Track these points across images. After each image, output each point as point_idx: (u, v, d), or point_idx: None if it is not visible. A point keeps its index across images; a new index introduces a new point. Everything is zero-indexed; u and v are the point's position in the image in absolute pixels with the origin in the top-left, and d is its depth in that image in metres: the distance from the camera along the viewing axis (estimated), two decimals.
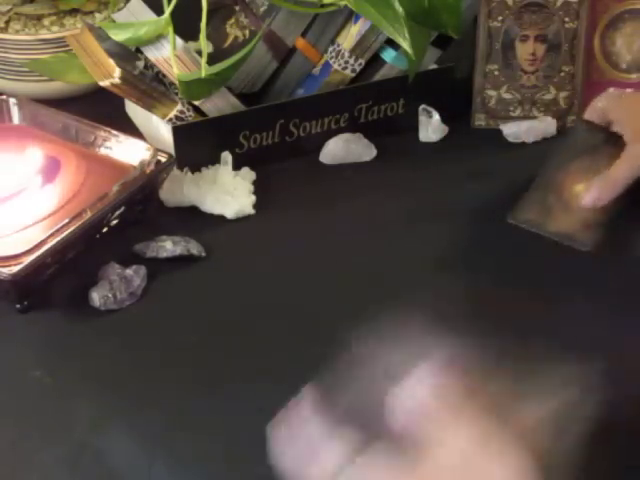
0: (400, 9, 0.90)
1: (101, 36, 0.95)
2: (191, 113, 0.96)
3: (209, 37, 0.93)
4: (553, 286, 0.84)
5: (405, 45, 0.89)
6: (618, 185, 0.82)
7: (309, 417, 0.57)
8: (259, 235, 0.91)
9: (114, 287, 0.82)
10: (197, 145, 0.96)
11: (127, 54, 0.96)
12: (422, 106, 1.04)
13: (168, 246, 0.86)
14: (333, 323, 0.79)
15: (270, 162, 0.98)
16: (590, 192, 0.83)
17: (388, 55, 1.01)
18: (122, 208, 0.87)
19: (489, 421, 0.54)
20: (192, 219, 0.92)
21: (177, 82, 0.93)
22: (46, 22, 1.08)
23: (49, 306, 0.82)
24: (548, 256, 0.86)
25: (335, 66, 1.00)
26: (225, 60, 0.93)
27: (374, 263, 0.87)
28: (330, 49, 0.99)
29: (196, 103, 0.96)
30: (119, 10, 1.03)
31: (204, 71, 0.91)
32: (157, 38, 0.94)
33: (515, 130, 1.04)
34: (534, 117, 1.06)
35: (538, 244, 0.90)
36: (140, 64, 0.97)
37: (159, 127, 0.97)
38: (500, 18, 1.03)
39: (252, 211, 0.93)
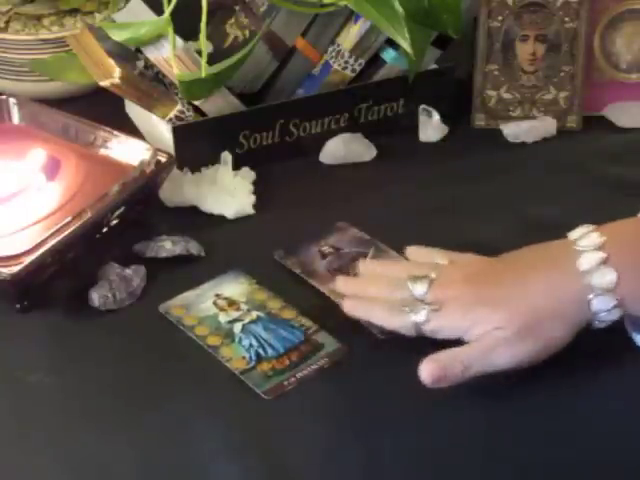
0: (400, 9, 0.89)
1: (101, 36, 0.95)
2: (191, 113, 0.96)
3: (209, 37, 0.93)
4: None
5: (405, 45, 0.89)
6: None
7: None
8: (259, 235, 0.91)
9: (114, 287, 0.82)
10: (197, 145, 0.96)
11: (127, 54, 0.96)
12: (422, 106, 1.04)
13: (168, 246, 0.86)
14: None
15: (270, 162, 0.98)
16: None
17: (388, 55, 1.01)
18: (122, 208, 0.86)
19: None
20: (192, 219, 0.92)
21: (177, 82, 0.93)
22: (46, 22, 1.08)
23: (49, 306, 0.82)
24: None
25: (335, 66, 1.00)
26: (225, 60, 0.93)
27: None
28: (330, 49, 0.99)
29: (196, 103, 0.96)
30: (119, 10, 1.03)
31: (204, 71, 0.91)
32: (157, 38, 0.94)
33: (515, 130, 1.04)
34: (534, 117, 1.06)
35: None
36: (140, 64, 0.97)
37: (159, 127, 0.97)
38: (500, 18, 1.03)
39: (252, 211, 0.93)
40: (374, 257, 0.86)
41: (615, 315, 0.72)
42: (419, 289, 0.75)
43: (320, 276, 0.85)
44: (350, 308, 0.78)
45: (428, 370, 0.71)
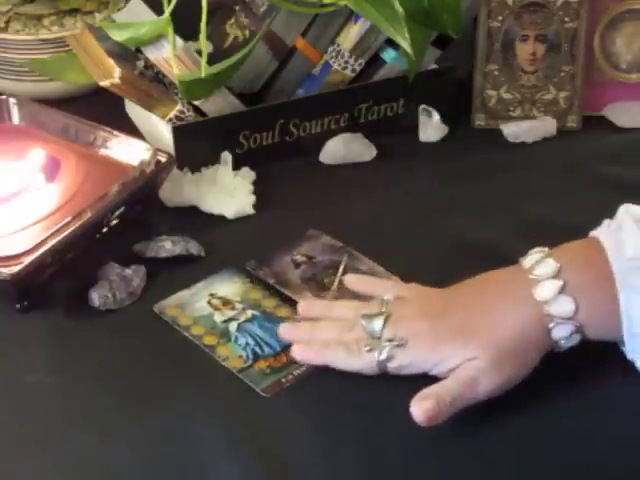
0: (400, 9, 0.89)
1: (101, 36, 0.95)
2: (191, 113, 0.96)
3: (209, 37, 0.93)
4: None
5: (405, 45, 0.89)
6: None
7: None
8: (259, 235, 0.91)
9: (114, 287, 0.82)
10: (197, 145, 0.96)
11: (127, 54, 0.96)
12: (422, 106, 1.04)
13: (167, 246, 0.86)
14: None
15: (270, 162, 0.98)
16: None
17: (388, 55, 1.01)
18: (122, 208, 0.86)
19: None
20: (192, 219, 0.92)
21: (177, 82, 0.93)
22: (46, 22, 1.08)
23: (49, 306, 0.82)
24: None
25: (335, 66, 1.00)
26: (225, 60, 0.93)
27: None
28: (330, 49, 0.99)
29: (196, 103, 0.96)
30: (119, 10, 1.03)
31: (204, 71, 0.91)
32: (157, 38, 0.94)
33: (515, 130, 1.04)
34: (534, 117, 1.06)
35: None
36: (140, 64, 0.97)
37: (159, 127, 0.97)
38: (500, 18, 1.03)
39: (252, 211, 0.93)
40: (347, 266, 0.85)
41: (574, 341, 0.72)
42: (376, 326, 0.73)
43: (294, 286, 0.84)
44: (302, 355, 0.76)
45: (421, 409, 0.69)
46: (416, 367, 0.73)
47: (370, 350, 0.73)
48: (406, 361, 0.72)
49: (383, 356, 0.72)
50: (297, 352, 0.76)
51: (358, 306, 0.77)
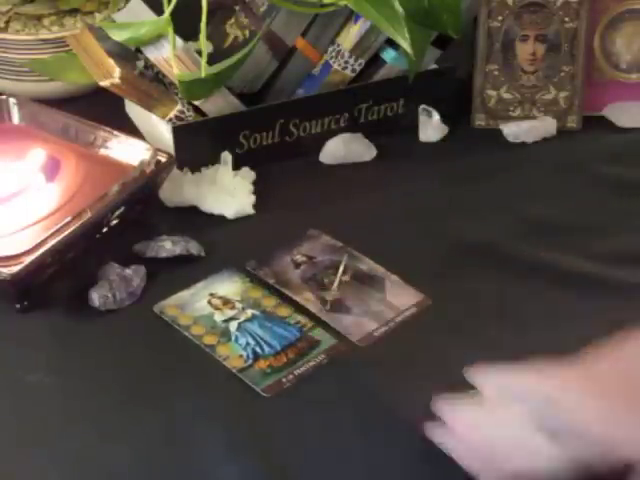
0: (400, 9, 0.90)
1: (101, 36, 0.95)
2: (191, 113, 0.96)
3: (209, 37, 0.93)
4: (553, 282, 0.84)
5: (405, 45, 0.89)
6: None
7: None
8: (259, 235, 0.91)
9: (114, 287, 0.82)
10: (197, 145, 0.96)
11: (127, 54, 0.96)
12: (422, 106, 1.04)
13: (168, 246, 0.86)
14: None
15: (270, 162, 0.98)
16: None
17: (388, 55, 1.01)
18: (122, 208, 0.86)
19: None
20: (192, 219, 0.92)
21: (177, 82, 0.93)
22: (46, 22, 1.08)
23: (49, 306, 0.82)
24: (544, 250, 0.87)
25: (335, 66, 1.00)
26: (225, 60, 0.93)
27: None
28: (330, 49, 0.99)
29: (196, 103, 0.96)
30: (119, 10, 1.03)
31: (204, 71, 0.91)
32: (157, 38, 0.94)
33: (515, 130, 1.04)
34: (534, 117, 1.06)
35: (535, 245, 0.90)
36: (140, 64, 0.97)
37: (159, 127, 0.97)
38: (500, 18, 1.03)
39: (252, 211, 0.93)
40: (347, 266, 0.85)
41: None
42: (550, 423, 0.64)
43: (294, 286, 0.84)
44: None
45: None
46: (608, 456, 0.63)
47: (551, 446, 0.65)
48: (593, 452, 0.63)
49: (566, 450, 0.64)
50: (478, 470, 0.68)
51: (520, 409, 0.66)
